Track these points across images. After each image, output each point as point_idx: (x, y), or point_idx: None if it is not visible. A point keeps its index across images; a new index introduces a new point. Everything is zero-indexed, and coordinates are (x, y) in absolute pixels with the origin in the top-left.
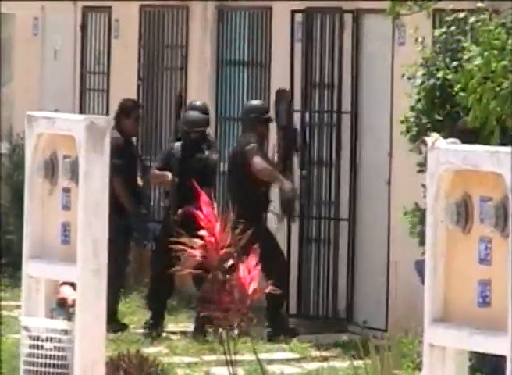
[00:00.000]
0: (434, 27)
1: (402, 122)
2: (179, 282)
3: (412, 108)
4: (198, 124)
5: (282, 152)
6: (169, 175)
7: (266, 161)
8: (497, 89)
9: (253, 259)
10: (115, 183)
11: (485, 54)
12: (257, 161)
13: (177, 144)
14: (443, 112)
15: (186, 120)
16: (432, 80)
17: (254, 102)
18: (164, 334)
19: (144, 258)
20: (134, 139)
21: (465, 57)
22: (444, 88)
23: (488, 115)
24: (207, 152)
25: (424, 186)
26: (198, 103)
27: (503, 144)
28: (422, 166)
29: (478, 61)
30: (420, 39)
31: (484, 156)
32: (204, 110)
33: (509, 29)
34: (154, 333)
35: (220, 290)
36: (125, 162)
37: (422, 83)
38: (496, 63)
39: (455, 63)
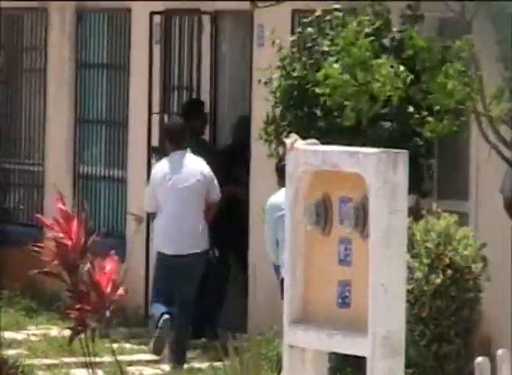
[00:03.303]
0: (293, 28)
1: (263, 129)
2: (39, 283)
3: (267, 115)
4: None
5: None
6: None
7: None
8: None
9: (110, 262)
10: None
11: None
12: None
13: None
14: (301, 112)
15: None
16: (289, 81)
17: None
18: (25, 336)
19: (10, 261)
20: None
21: (321, 50)
22: (301, 88)
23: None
24: None
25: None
26: None
27: (363, 144)
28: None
29: (334, 57)
30: (277, 41)
31: (343, 157)
32: None
33: (364, 27)
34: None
35: (77, 291)
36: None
37: (279, 86)
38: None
39: (311, 61)
